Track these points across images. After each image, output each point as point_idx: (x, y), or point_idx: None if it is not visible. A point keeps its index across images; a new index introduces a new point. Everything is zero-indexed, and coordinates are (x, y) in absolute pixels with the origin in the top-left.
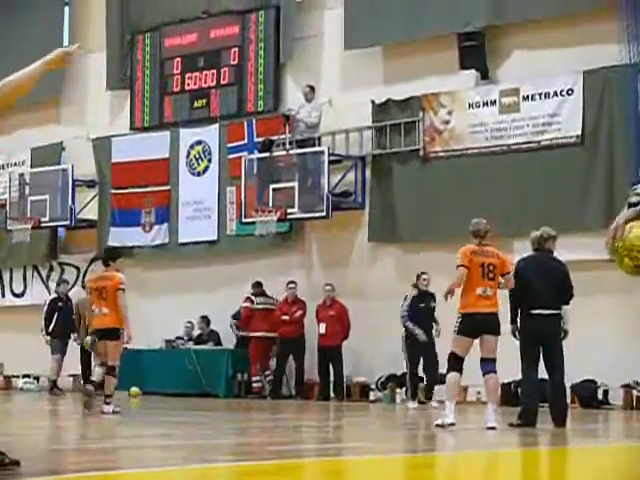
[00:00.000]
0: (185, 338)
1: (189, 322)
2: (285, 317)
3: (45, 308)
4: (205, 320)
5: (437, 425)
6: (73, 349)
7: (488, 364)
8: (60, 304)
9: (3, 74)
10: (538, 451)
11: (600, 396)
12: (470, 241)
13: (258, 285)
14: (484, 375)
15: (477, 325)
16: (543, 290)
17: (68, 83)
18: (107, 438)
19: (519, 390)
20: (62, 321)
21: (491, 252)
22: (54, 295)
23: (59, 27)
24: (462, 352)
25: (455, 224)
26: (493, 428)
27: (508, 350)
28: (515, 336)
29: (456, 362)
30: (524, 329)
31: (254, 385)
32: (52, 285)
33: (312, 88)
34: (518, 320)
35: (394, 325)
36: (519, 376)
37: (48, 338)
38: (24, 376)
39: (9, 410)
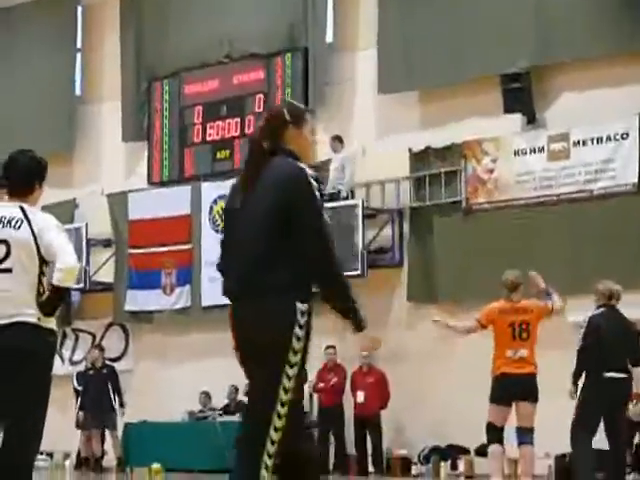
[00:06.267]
0: (205, 409)
1: (204, 392)
2: (321, 384)
3: None
4: (233, 389)
5: None
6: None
7: (523, 434)
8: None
9: (12, 121)
10: None
11: None
12: None
13: None
14: (518, 446)
15: (507, 389)
16: (617, 351)
17: (81, 135)
18: None
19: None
20: None
21: (524, 308)
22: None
23: (71, 75)
24: (498, 421)
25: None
26: None
27: (562, 417)
28: (573, 397)
29: (494, 433)
30: (591, 393)
31: None
32: (65, 353)
33: (339, 138)
34: (581, 382)
35: (437, 391)
36: None
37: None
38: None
39: None
